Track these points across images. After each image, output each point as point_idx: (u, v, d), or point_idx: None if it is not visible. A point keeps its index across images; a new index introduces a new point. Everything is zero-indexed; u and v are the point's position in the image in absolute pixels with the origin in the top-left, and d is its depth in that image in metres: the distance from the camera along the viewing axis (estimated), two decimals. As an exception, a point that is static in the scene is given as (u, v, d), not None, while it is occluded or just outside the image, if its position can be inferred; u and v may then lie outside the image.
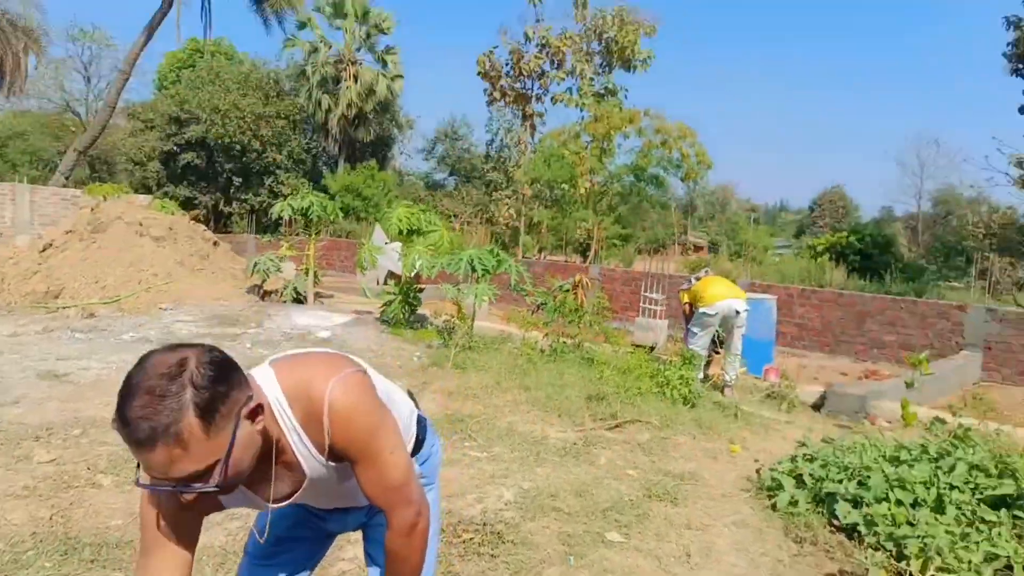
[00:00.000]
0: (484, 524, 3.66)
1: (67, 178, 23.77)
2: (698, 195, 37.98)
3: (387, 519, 1.45)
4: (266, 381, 1.36)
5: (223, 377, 1.20)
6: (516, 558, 3.31)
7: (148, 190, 25.73)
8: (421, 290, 9.62)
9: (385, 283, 16.09)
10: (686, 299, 7.35)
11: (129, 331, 8.21)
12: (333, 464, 1.43)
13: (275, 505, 1.46)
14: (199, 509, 1.37)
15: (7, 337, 7.57)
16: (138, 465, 1.21)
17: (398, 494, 1.43)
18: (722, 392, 6.81)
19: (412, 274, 9.12)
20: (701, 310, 6.95)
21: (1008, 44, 16.77)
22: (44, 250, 12.21)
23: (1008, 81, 17.70)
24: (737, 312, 6.86)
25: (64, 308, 9.85)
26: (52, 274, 11.20)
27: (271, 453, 1.36)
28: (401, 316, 9.16)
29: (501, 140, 28.57)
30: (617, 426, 5.43)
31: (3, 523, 3.29)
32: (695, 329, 7.07)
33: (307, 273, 12.00)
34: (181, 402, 1.13)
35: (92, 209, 13.05)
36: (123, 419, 1.14)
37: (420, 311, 9.71)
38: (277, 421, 1.36)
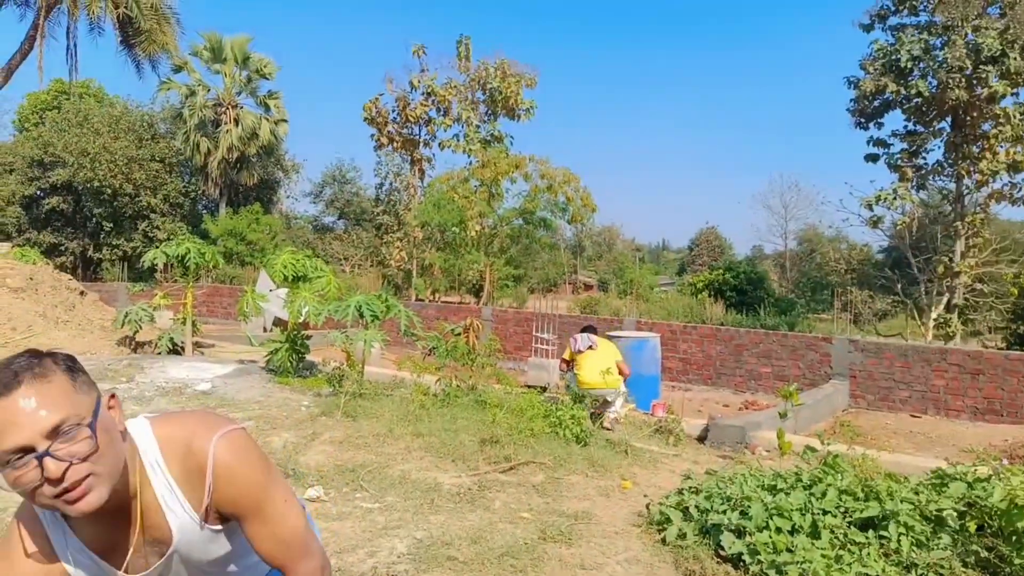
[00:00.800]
0: (377, 580, 3.56)
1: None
2: (585, 236, 39.40)
3: None
4: (140, 432, 1.28)
5: (79, 365, 1.20)
6: (410, 612, 3.24)
7: (7, 236, 23.76)
8: (308, 337, 9.35)
9: (271, 329, 15.52)
10: (568, 356, 7.70)
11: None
12: (211, 527, 1.33)
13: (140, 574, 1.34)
14: None
15: None
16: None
17: (298, 547, 1.35)
18: (611, 428, 7.01)
19: (299, 321, 8.87)
20: (578, 383, 7.31)
21: (850, 100, 18.69)
22: None
23: (854, 133, 19.70)
24: (608, 400, 7.30)
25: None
26: None
27: (128, 508, 1.26)
28: (288, 364, 8.85)
29: (391, 184, 28.62)
30: (511, 468, 5.45)
31: None
32: (570, 383, 7.47)
33: (184, 322, 11.39)
34: (43, 360, 1.14)
35: (-64, 258, 11.88)
36: None
37: (308, 358, 9.42)
38: (146, 471, 1.27)
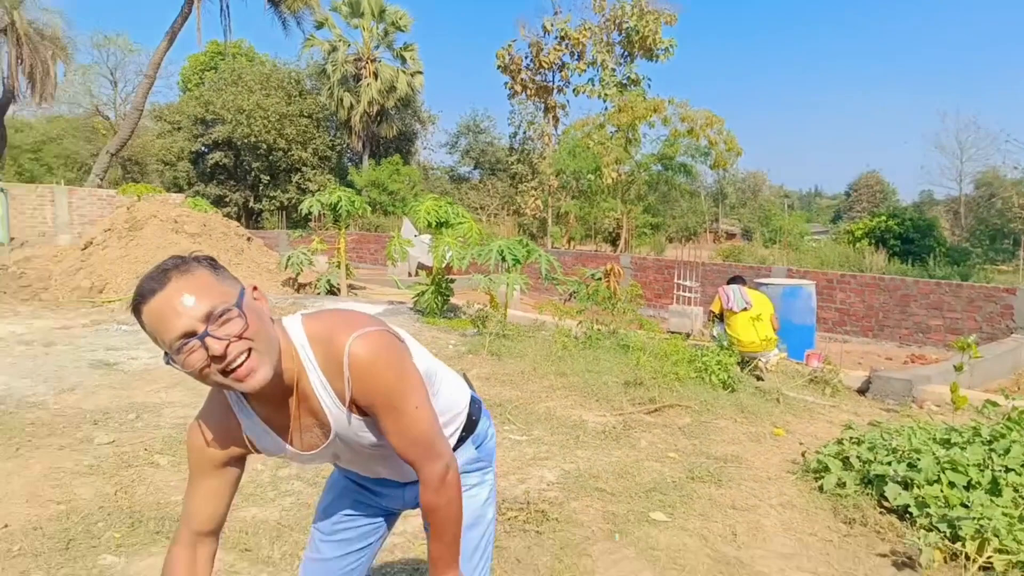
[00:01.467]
0: (528, 503, 3.70)
1: (101, 179, 24.30)
2: (728, 182, 37.57)
3: (418, 475, 1.45)
4: (293, 326, 1.40)
5: (218, 263, 1.32)
6: (561, 535, 3.36)
7: (179, 189, 26.23)
8: (452, 281, 9.70)
9: (416, 275, 16.24)
10: (717, 309, 7.24)
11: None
12: (357, 417, 1.43)
13: (305, 453, 1.49)
14: (232, 444, 1.44)
15: (58, 330, 7.80)
16: (166, 354, 1.25)
17: (426, 449, 1.42)
18: (761, 377, 6.78)
19: (443, 265, 9.20)
20: (731, 342, 6.88)
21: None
22: (86, 248, 12.52)
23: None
24: (766, 360, 6.90)
25: (108, 303, 10.10)
26: (95, 271, 11.49)
27: (292, 393, 1.39)
28: (434, 306, 9.25)
29: (524, 132, 28.57)
30: (656, 410, 5.44)
31: (73, 498, 3.42)
32: (720, 337, 7.06)
33: (339, 266, 12.15)
34: (186, 260, 1.26)
35: (128, 208, 13.34)
36: (139, 289, 1.23)
37: (452, 301, 9.79)
38: (301, 361, 1.38)
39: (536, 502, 3.72)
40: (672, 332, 8.51)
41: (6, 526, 3.11)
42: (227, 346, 1.23)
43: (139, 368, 6.15)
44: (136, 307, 1.23)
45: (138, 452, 4.07)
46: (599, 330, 7.78)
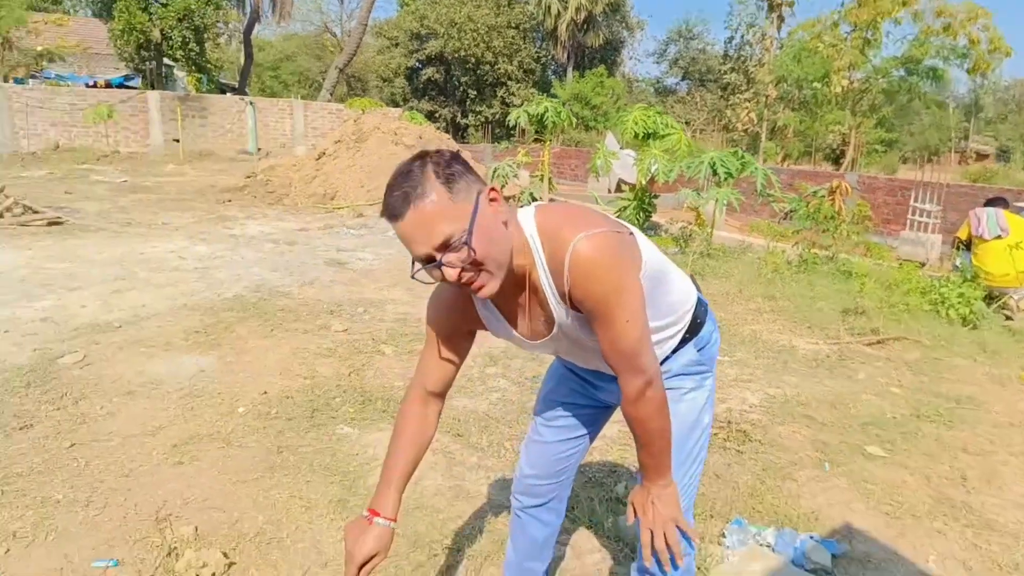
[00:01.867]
0: (728, 423, 3.62)
1: (331, 94, 26.49)
2: (986, 91, 32.04)
3: (620, 384, 1.45)
4: (526, 219, 1.42)
5: (458, 162, 1.32)
6: (764, 457, 3.25)
7: (395, 105, 27.88)
8: (655, 197, 9.45)
9: (617, 191, 16.05)
10: (964, 235, 6.32)
11: (391, 229, 9.12)
12: (575, 313, 1.44)
13: (530, 341, 1.55)
14: (468, 322, 1.55)
15: (298, 231, 8.82)
16: (412, 263, 1.35)
17: (629, 361, 1.41)
18: (1011, 316, 5.92)
19: (647, 180, 8.96)
20: (978, 273, 5.95)
21: None
22: (319, 158, 13.87)
23: None
24: (1020, 297, 5.86)
25: (338, 208, 11.19)
26: (327, 179, 12.72)
27: (524, 285, 1.44)
28: (636, 222, 9.10)
29: (742, 37, 26.42)
30: (879, 342, 4.99)
31: (316, 375, 3.93)
32: (964, 268, 6.15)
33: (542, 179, 12.33)
34: (425, 172, 1.27)
35: (355, 121, 14.46)
36: (386, 205, 1.30)
37: (654, 219, 9.57)
38: (532, 254, 1.40)
39: (737, 422, 3.62)
40: (902, 260, 7.65)
41: (264, 393, 3.65)
42: (459, 272, 1.32)
43: (365, 268, 6.79)
44: (385, 218, 1.33)
45: (367, 341, 4.55)
46: (815, 254, 7.21)
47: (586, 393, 1.84)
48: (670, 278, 1.58)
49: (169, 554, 2.30)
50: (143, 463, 2.89)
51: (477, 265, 1.31)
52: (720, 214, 7.86)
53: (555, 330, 1.50)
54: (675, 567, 1.59)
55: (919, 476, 3.14)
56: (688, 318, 1.62)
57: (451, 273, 1.31)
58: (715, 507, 2.79)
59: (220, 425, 3.27)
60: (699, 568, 2.35)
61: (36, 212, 8.37)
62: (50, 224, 8.11)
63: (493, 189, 1.35)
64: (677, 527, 1.53)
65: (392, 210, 1.28)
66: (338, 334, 4.64)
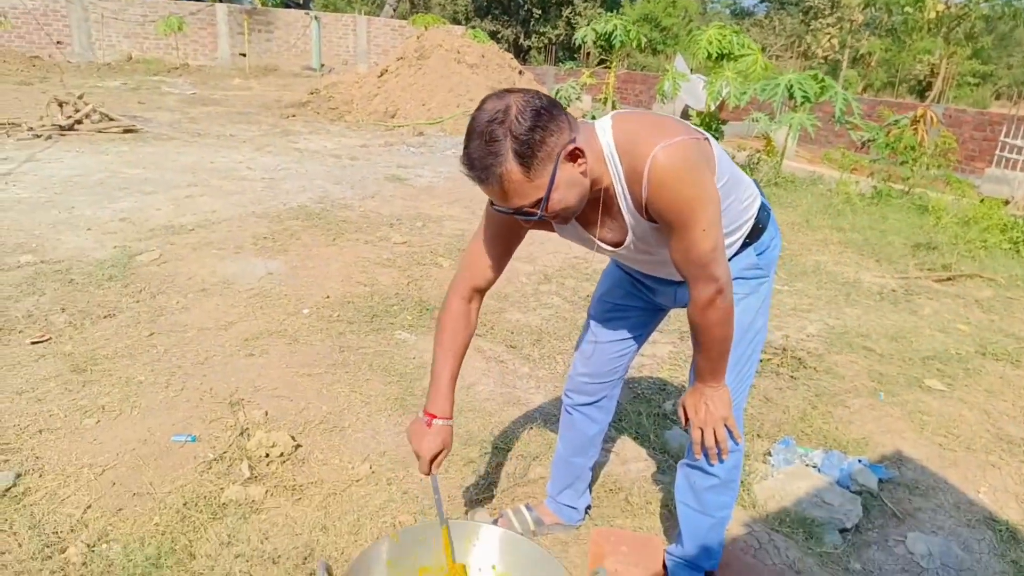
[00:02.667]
0: (784, 349, 3.59)
1: (394, 10, 26.05)
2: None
3: (689, 292, 1.47)
4: (603, 131, 1.41)
5: (540, 124, 1.27)
6: (817, 383, 3.24)
7: (457, 23, 27.27)
8: (724, 123, 9.11)
9: (683, 118, 15.53)
10: None
11: (451, 148, 9.12)
12: (649, 223, 1.45)
13: (603, 246, 1.57)
14: (531, 225, 1.54)
15: (359, 147, 8.90)
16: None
17: (702, 270, 1.41)
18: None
19: (716, 104, 8.63)
20: None
21: None
22: (381, 75, 13.79)
23: None
24: None
25: (399, 126, 11.19)
26: (388, 97, 12.69)
27: (599, 198, 1.44)
28: (702, 149, 8.83)
29: (831, -44, 24.57)
30: (949, 279, 4.81)
31: (376, 282, 4.06)
32: None
33: (605, 102, 12.01)
34: (503, 148, 1.26)
35: (417, 38, 14.24)
36: (465, 158, 1.32)
37: (721, 145, 9.27)
38: (608, 168, 1.41)
39: (793, 349, 3.60)
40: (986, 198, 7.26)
41: (327, 297, 3.79)
42: (535, 222, 1.40)
43: (424, 184, 6.84)
44: (461, 160, 1.34)
45: (425, 253, 4.64)
46: (891, 186, 6.90)
47: (641, 296, 1.86)
48: (740, 185, 1.57)
49: (241, 434, 2.47)
50: (217, 353, 3.07)
51: (551, 217, 1.38)
52: (792, 141, 7.54)
53: (627, 240, 1.51)
54: (721, 461, 1.65)
55: (978, 411, 3.09)
56: (750, 224, 1.61)
57: (526, 223, 1.41)
58: (763, 428, 2.82)
59: (287, 324, 3.42)
60: (742, 483, 2.40)
61: (112, 120, 8.65)
62: (125, 132, 8.39)
63: (574, 145, 1.32)
64: (726, 426, 1.58)
65: (470, 172, 1.32)
66: (397, 246, 4.74)
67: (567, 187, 1.33)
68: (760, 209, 1.65)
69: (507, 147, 1.25)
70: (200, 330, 3.28)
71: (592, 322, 1.95)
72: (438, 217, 5.61)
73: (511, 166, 1.26)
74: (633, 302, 1.88)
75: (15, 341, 3.01)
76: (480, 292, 1.67)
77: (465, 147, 1.31)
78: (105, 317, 3.32)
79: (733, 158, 8.19)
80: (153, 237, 4.49)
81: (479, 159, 1.27)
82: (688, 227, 1.36)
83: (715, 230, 1.39)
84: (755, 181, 1.73)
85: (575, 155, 1.33)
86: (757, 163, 7.83)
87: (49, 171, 6.04)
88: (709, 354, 1.53)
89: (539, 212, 1.33)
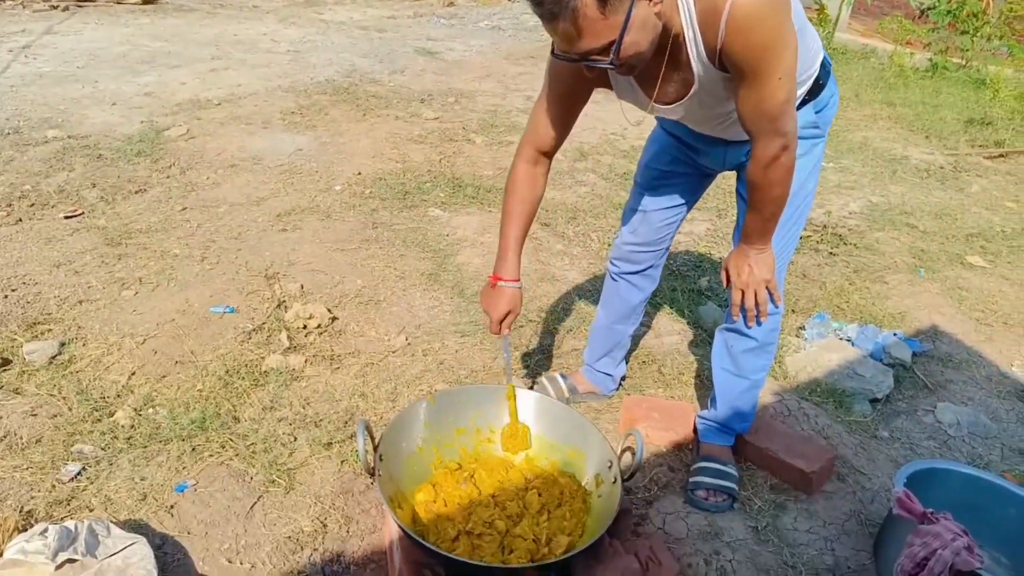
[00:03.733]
0: (825, 226, 3.51)
1: None
2: None
3: (752, 147, 1.40)
4: None
5: None
6: (857, 259, 3.18)
7: None
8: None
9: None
10: None
11: (484, 20, 8.70)
12: (722, 74, 1.35)
13: (659, 105, 1.48)
14: (593, 82, 1.48)
15: (386, 18, 8.53)
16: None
17: (771, 123, 1.34)
18: None
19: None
20: None
21: None
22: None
23: None
24: None
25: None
26: (415, -36, 12.00)
27: (666, 47, 1.33)
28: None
29: None
30: (1001, 155, 4.59)
31: (407, 159, 3.99)
32: None
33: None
34: None
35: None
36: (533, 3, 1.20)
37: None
38: (679, 13, 1.29)
39: (834, 226, 3.51)
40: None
41: (359, 173, 3.75)
42: (600, 72, 1.32)
43: (456, 58, 6.59)
44: (531, 7, 1.22)
45: (457, 130, 4.52)
46: (949, 59, 6.46)
47: (688, 160, 1.79)
48: (807, 34, 1.46)
49: (279, 306, 2.52)
50: (250, 228, 3.09)
51: (620, 64, 1.26)
52: (846, 9, 7.03)
53: (692, 91, 1.42)
54: (759, 324, 1.64)
55: (1019, 287, 3.02)
56: (811, 82, 1.52)
57: (591, 73, 1.31)
58: (798, 304, 2.80)
59: (319, 200, 3.42)
60: (775, 355, 2.41)
61: (131, -8, 8.36)
62: (145, 3, 8.12)
63: None
64: (767, 288, 1.56)
65: (539, 13, 1.20)
66: (429, 122, 4.62)
67: (640, 29, 1.23)
68: (821, 65, 1.54)
69: None
70: (232, 205, 3.29)
71: (639, 190, 1.90)
72: (470, 92, 5.43)
73: (589, 1, 1.16)
74: (680, 168, 1.82)
75: (48, 215, 3.05)
76: (546, 155, 1.62)
77: None
78: (136, 192, 3.34)
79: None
80: (179, 112, 4.43)
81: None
82: (765, 76, 1.28)
83: (791, 80, 1.31)
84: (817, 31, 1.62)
85: None
86: (805, 33, 7.35)
87: (69, 44, 5.92)
88: (763, 214, 1.48)
89: (610, 57, 1.22)
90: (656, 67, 1.36)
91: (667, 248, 1.98)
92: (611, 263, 2.03)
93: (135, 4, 8.02)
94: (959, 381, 2.39)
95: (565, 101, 1.54)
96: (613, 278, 2.04)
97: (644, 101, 1.49)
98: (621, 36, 1.20)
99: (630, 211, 1.93)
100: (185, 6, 8.19)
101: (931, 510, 1.50)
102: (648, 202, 1.87)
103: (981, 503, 1.67)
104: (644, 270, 1.99)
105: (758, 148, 1.38)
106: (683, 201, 1.87)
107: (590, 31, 1.19)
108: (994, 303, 2.86)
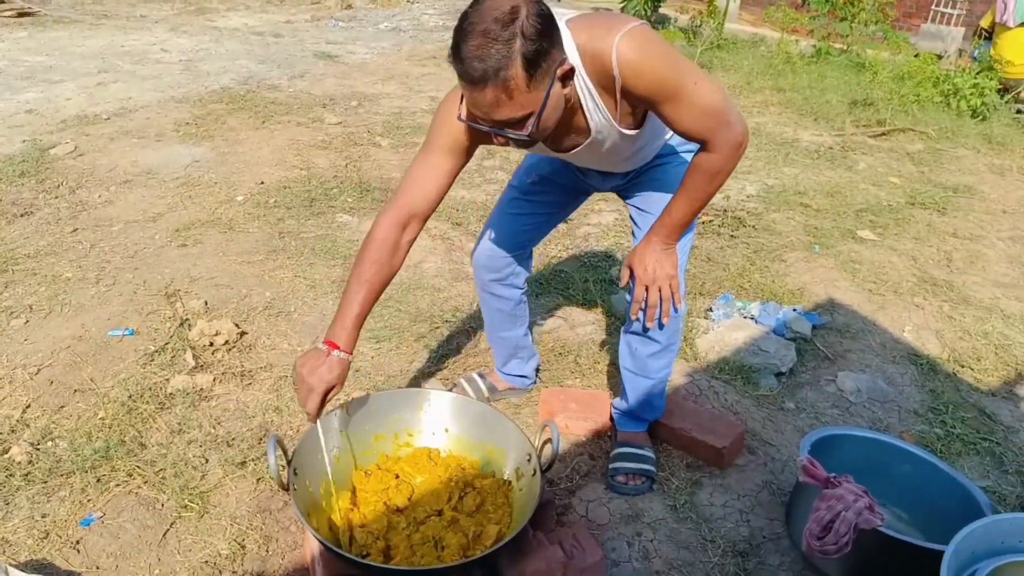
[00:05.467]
0: (725, 211, 3.65)
1: None
2: None
3: (708, 147, 1.40)
4: (564, 40, 1.30)
5: (548, 33, 1.18)
6: (756, 240, 3.32)
7: None
8: (666, -16, 8.76)
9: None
10: (987, 23, 5.95)
11: (383, 22, 8.60)
12: (624, 131, 1.42)
13: (555, 153, 1.53)
14: (482, 139, 1.41)
15: (282, 23, 8.30)
16: (461, 99, 1.28)
17: (717, 118, 1.36)
18: (1022, 110, 5.75)
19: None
20: (995, 63, 5.59)
21: None
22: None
23: None
24: None
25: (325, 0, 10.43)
26: (311, -33, 11.73)
27: (568, 114, 1.37)
28: (643, 14, 8.53)
29: None
30: (883, 134, 4.89)
31: (312, 166, 3.90)
32: (981, 58, 5.85)
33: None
34: (511, 50, 1.14)
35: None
36: (458, 56, 1.17)
37: (662, 10, 8.95)
38: (575, 85, 1.34)
39: (734, 210, 3.65)
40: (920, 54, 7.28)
41: (262, 183, 3.64)
42: (508, 142, 1.31)
43: (358, 61, 6.48)
44: (451, 59, 1.20)
45: (362, 134, 4.45)
46: (831, 45, 6.84)
47: (571, 176, 1.82)
48: None
49: (182, 324, 2.42)
50: (147, 245, 2.95)
51: (534, 137, 1.27)
52: (735, 2, 7.33)
53: (587, 141, 1.47)
54: (661, 327, 1.67)
55: (906, 257, 3.23)
56: None
57: (499, 141, 1.31)
58: (704, 287, 2.90)
59: (220, 212, 3.29)
60: (685, 339, 2.49)
61: (3, 2, 7.82)
62: (20, 15, 7.61)
63: (568, 65, 1.25)
64: (670, 287, 1.59)
65: (466, 75, 1.17)
66: (332, 127, 4.53)
67: (554, 108, 1.27)
68: None
69: (516, 49, 1.14)
70: (127, 223, 3.13)
71: (511, 192, 1.89)
72: (374, 95, 5.36)
73: (518, 71, 1.15)
74: (560, 179, 1.83)
75: (-75, 245, 2.83)
76: (418, 219, 1.49)
77: (457, 44, 1.17)
78: (22, 215, 3.13)
79: (675, 21, 7.93)
80: (65, 129, 4.18)
81: (480, 58, 1.14)
82: (680, 90, 1.32)
83: (705, 79, 1.36)
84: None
85: (567, 76, 1.26)
86: (699, 26, 7.63)
87: (-63, 63, 5.50)
88: (692, 207, 1.50)
89: (528, 129, 1.23)
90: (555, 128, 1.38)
91: (527, 256, 1.96)
92: (475, 269, 1.97)
93: (10, 16, 7.51)
94: (857, 350, 2.53)
95: (453, 158, 1.46)
96: (480, 291, 2.02)
97: (544, 150, 1.54)
98: (542, 110, 1.23)
99: (499, 212, 1.90)
100: (66, 18, 7.73)
101: (834, 475, 1.58)
102: (520, 205, 1.86)
103: (881, 464, 1.77)
104: (505, 279, 1.95)
105: (718, 143, 1.40)
106: (552, 212, 1.89)
107: (514, 102, 1.20)
108: (884, 274, 3.05)
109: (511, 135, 1.26)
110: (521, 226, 1.88)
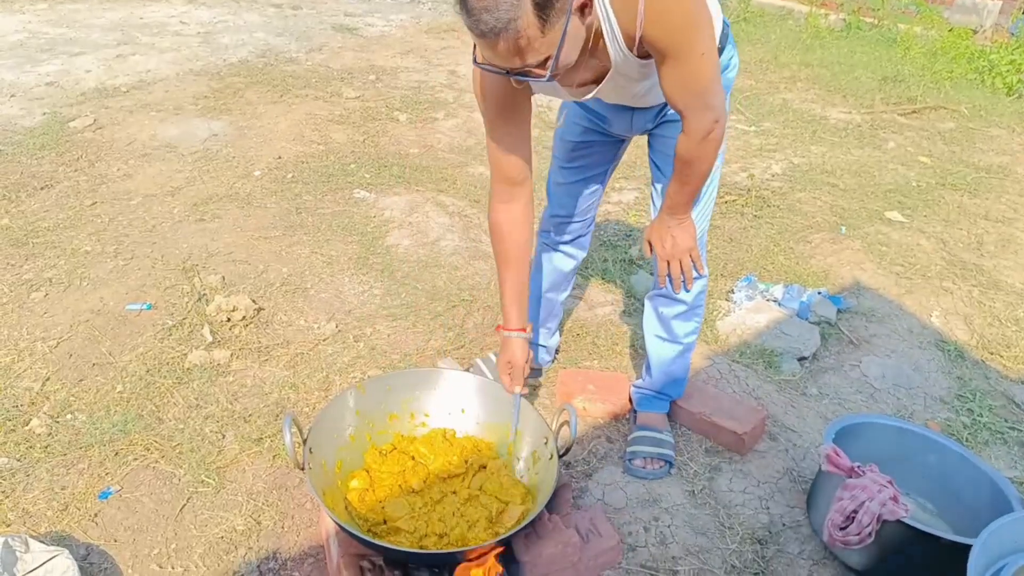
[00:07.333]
0: (749, 190, 3.57)
1: None
2: None
3: (683, 123, 1.40)
4: None
5: None
6: (781, 221, 3.25)
7: None
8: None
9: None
10: None
11: (402, -7, 8.49)
12: (638, 59, 1.35)
13: (576, 90, 1.46)
14: (518, 90, 1.41)
15: (303, -5, 8.22)
16: (474, 47, 1.24)
17: (699, 99, 1.35)
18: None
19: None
20: None
21: None
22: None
23: None
24: None
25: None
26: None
27: (587, 43, 1.31)
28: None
29: None
30: (914, 111, 4.76)
31: (330, 140, 3.87)
32: (1017, 32, 5.64)
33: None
34: (521, 4, 1.10)
35: None
36: (466, 8, 1.13)
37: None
38: (596, 11, 1.27)
39: (758, 189, 3.57)
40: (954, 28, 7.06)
41: (279, 157, 3.62)
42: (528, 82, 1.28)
43: (376, 34, 6.41)
44: (458, 10, 1.15)
45: (380, 108, 4.41)
46: (861, 19, 6.66)
47: (598, 129, 1.78)
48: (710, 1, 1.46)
49: (199, 299, 2.42)
50: (165, 220, 2.95)
51: (554, 77, 1.23)
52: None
53: (608, 76, 1.40)
54: (687, 291, 1.66)
55: (935, 240, 3.14)
56: (716, 40, 1.51)
57: (518, 83, 1.28)
58: (726, 268, 2.84)
59: (238, 187, 3.28)
60: (706, 320, 2.44)
61: (23, -26, 7.80)
62: (40, -13, 7.61)
63: (584, 7, 1.18)
64: (691, 257, 1.58)
65: (475, 29, 1.13)
66: (350, 101, 4.49)
67: (573, 42, 1.21)
68: (722, 27, 1.55)
69: (526, 5, 1.10)
70: (145, 197, 3.13)
71: (557, 164, 1.89)
72: (392, 69, 5.30)
73: (529, 18, 1.11)
74: (592, 137, 1.80)
75: (-53, 217, 2.85)
76: (518, 185, 1.55)
77: (470, 5, 1.12)
78: (42, 188, 3.14)
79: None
80: (85, 102, 4.18)
81: (490, 8, 1.10)
82: (687, 55, 1.29)
83: (713, 55, 1.32)
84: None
85: (585, 6, 1.20)
86: (725, -2, 7.44)
87: (-41, 34, 5.51)
88: (689, 186, 1.48)
89: (547, 72, 1.18)
90: (578, 60, 1.34)
91: (594, 217, 1.99)
92: (542, 234, 2.02)
93: (28, -14, 7.50)
94: (882, 335, 2.48)
95: (505, 112, 1.46)
96: (546, 247, 2.03)
97: (561, 91, 1.47)
98: (559, 52, 1.17)
99: (554, 185, 1.92)
100: (84, -13, 7.71)
101: (858, 464, 1.55)
102: (568, 174, 1.87)
103: (906, 453, 1.73)
104: (576, 239, 1.99)
105: (690, 124, 1.38)
106: (602, 169, 1.87)
107: (530, 49, 1.15)
108: (912, 257, 2.98)
109: (531, 80, 1.24)
110: (577, 193, 1.89)
